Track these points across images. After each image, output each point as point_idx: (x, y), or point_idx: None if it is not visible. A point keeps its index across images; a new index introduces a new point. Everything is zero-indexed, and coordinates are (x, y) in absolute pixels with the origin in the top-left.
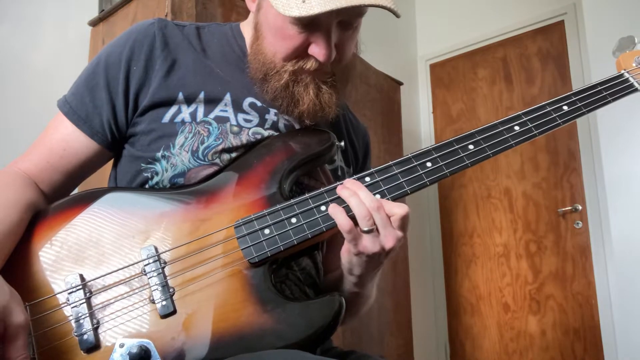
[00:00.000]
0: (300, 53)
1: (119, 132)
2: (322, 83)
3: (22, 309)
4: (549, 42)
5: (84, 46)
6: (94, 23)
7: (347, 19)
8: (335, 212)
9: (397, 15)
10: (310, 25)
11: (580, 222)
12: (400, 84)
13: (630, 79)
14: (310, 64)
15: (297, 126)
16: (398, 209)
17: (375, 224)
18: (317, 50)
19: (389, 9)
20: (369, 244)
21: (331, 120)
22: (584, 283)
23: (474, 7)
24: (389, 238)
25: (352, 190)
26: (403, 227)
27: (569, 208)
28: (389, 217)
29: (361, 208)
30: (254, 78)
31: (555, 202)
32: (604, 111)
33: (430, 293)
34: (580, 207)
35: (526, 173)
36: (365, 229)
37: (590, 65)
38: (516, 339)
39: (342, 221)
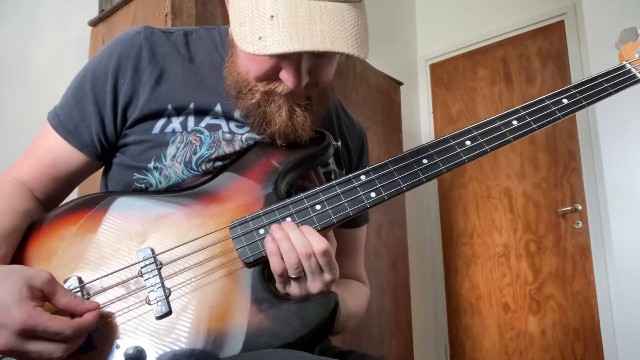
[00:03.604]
0: (271, 76)
1: (109, 143)
2: (297, 106)
3: (36, 269)
4: (549, 42)
5: (84, 46)
6: (94, 23)
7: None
8: (272, 252)
9: (362, 59)
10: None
11: (580, 222)
12: (400, 84)
13: (633, 69)
14: (282, 88)
15: None
16: (317, 244)
17: (303, 270)
18: (287, 77)
19: (349, 55)
20: (295, 288)
21: (320, 123)
22: (584, 283)
23: (474, 7)
24: (316, 284)
25: (285, 233)
26: (330, 266)
27: (569, 208)
28: (319, 264)
29: (291, 256)
30: (228, 93)
31: (555, 202)
32: (604, 111)
33: (430, 293)
34: (580, 207)
35: (526, 173)
36: (293, 276)
37: (590, 65)
38: (516, 339)
39: (275, 265)
